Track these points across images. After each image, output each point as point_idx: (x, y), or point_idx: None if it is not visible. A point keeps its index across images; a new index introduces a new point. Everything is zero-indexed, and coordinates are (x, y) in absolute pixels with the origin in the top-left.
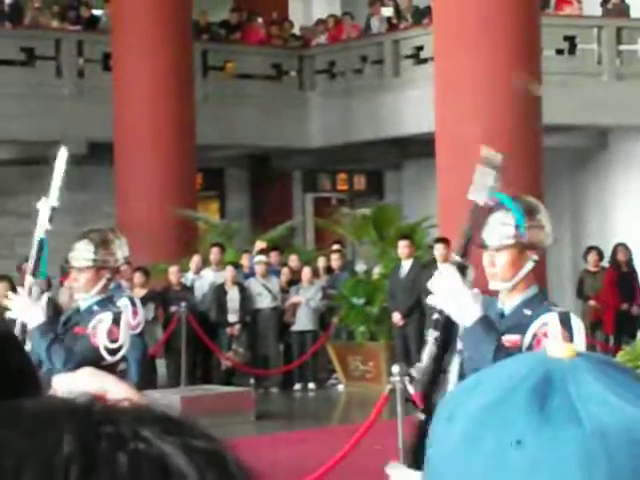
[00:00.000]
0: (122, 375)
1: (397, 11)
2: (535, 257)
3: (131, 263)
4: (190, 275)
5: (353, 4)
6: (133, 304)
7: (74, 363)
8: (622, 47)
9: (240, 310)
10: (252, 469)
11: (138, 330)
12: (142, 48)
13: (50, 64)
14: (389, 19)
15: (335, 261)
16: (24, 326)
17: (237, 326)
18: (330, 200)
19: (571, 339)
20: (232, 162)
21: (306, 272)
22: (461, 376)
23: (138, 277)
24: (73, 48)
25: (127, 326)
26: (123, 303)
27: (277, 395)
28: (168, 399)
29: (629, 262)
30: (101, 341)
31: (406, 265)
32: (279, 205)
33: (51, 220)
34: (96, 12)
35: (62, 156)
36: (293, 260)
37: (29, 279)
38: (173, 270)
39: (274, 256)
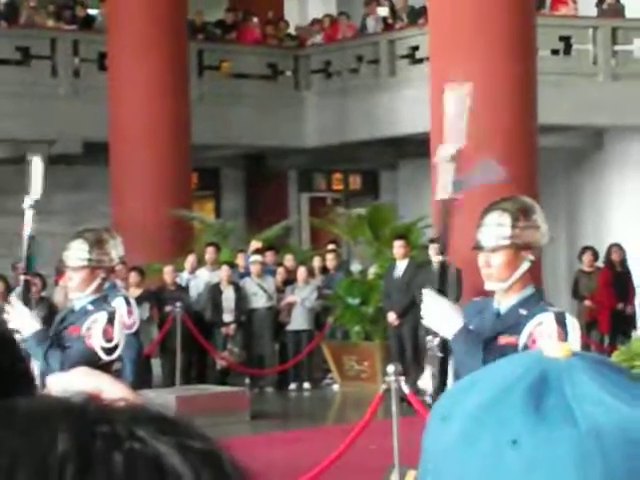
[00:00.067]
0: (117, 375)
1: (393, 11)
2: (531, 257)
3: (126, 263)
4: (185, 275)
5: (349, 4)
6: (128, 304)
7: (69, 366)
8: (617, 47)
9: (235, 310)
10: (247, 469)
11: (133, 330)
12: (138, 48)
13: (46, 63)
14: (385, 19)
15: (330, 261)
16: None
17: (232, 326)
18: (325, 200)
19: (567, 339)
20: (227, 162)
21: (301, 272)
22: (456, 377)
23: (133, 277)
24: (68, 47)
25: (122, 325)
26: (118, 303)
27: (272, 395)
28: (163, 399)
29: (623, 262)
30: (96, 342)
31: (401, 265)
32: (274, 205)
33: (36, 214)
34: (92, 12)
35: (37, 162)
36: (288, 260)
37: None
38: (168, 270)
39: (269, 256)
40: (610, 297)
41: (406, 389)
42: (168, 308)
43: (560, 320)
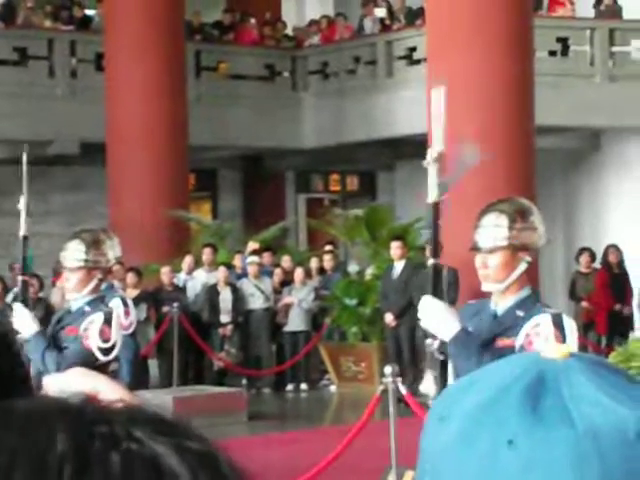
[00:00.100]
0: (114, 375)
1: (390, 12)
2: (528, 258)
3: (123, 263)
4: (182, 275)
5: (346, 5)
6: (125, 304)
7: (66, 366)
8: (615, 48)
9: (232, 311)
10: (244, 470)
11: (130, 330)
12: (135, 48)
13: (43, 64)
14: (382, 20)
15: (328, 262)
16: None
17: (229, 327)
18: (323, 201)
19: (564, 340)
20: (225, 163)
21: (299, 273)
22: (457, 379)
23: (130, 277)
24: (66, 48)
25: (119, 325)
26: (115, 303)
27: (269, 396)
28: (160, 399)
29: (620, 263)
30: (94, 342)
31: (399, 266)
32: (272, 206)
33: (29, 215)
34: (89, 12)
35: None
36: (286, 261)
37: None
38: (165, 270)
39: (267, 257)
40: (607, 298)
41: (403, 390)
42: (165, 309)
43: (557, 321)
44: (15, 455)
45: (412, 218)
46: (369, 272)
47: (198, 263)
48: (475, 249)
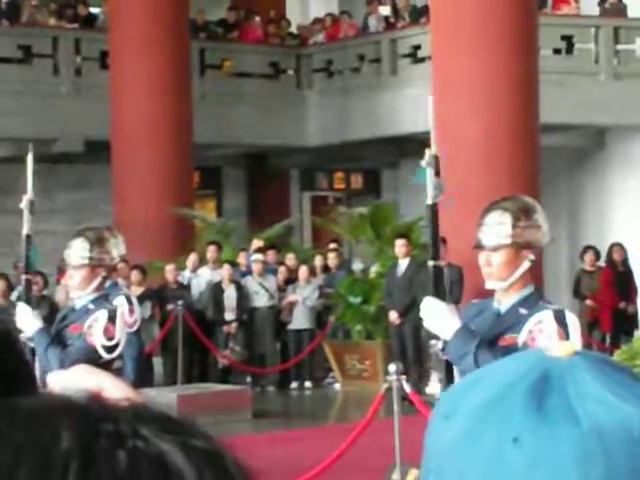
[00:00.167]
0: (118, 373)
1: (394, 10)
2: (531, 256)
3: (128, 261)
4: (187, 273)
5: (351, 3)
6: (129, 302)
7: (70, 363)
8: (619, 47)
9: (237, 308)
10: (250, 469)
11: (135, 328)
12: (139, 46)
13: (47, 62)
14: (386, 18)
15: (332, 260)
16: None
17: (234, 324)
18: (327, 199)
19: (567, 337)
20: (229, 161)
21: (303, 271)
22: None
23: (135, 275)
24: (70, 46)
25: (123, 323)
26: (119, 301)
27: (274, 393)
28: (165, 397)
29: (625, 261)
30: (98, 340)
31: (403, 264)
32: (276, 204)
33: (32, 213)
34: (93, 10)
35: (29, 161)
36: (290, 259)
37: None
38: (170, 268)
39: (271, 255)
40: (612, 296)
41: (407, 388)
42: (170, 306)
43: (559, 318)
44: (20, 452)
45: (416, 216)
46: (373, 270)
47: (202, 261)
48: (479, 247)
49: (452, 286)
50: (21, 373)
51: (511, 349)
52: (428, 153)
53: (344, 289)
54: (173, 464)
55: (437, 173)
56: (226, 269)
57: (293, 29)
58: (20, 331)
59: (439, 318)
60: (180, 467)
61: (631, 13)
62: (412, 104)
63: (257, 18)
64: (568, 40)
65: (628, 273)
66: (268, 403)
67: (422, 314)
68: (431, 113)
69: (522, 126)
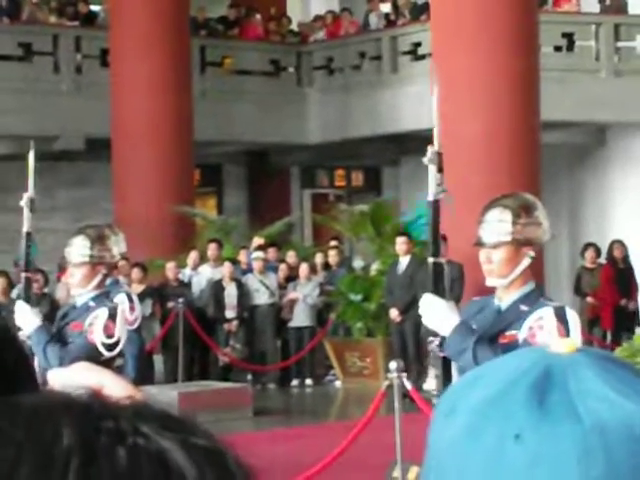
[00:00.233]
0: (119, 371)
1: (395, 7)
2: (532, 253)
3: (129, 259)
4: (188, 271)
5: (351, 0)
6: (130, 300)
7: (70, 361)
8: (620, 44)
9: (237, 306)
10: (251, 467)
11: (135, 326)
12: (140, 44)
13: (48, 60)
14: (387, 15)
15: (333, 257)
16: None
17: (234, 322)
18: (328, 196)
19: (567, 333)
20: (230, 158)
21: (304, 268)
22: (461, 375)
23: (136, 273)
24: (71, 44)
25: (124, 321)
26: (120, 299)
27: (274, 391)
28: (165, 395)
29: (625, 258)
30: (98, 338)
31: (404, 261)
32: (277, 201)
33: (33, 211)
34: (94, 8)
35: (30, 159)
36: (291, 256)
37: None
38: (170, 266)
39: (272, 252)
40: (613, 293)
41: (408, 385)
42: (170, 304)
43: (560, 314)
44: (21, 450)
45: (417, 214)
46: (374, 267)
47: (203, 259)
48: (479, 244)
49: (453, 284)
50: (21, 371)
51: (511, 346)
52: (430, 150)
53: (345, 287)
54: (174, 461)
55: (440, 170)
56: (227, 267)
57: (294, 26)
58: (19, 329)
59: (438, 315)
60: (181, 464)
61: (632, 10)
62: (413, 101)
63: (258, 15)
64: (569, 37)
65: (629, 270)
66: (269, 401)
67: (421, 310)
68: (435, 109)
69: (523, 123)
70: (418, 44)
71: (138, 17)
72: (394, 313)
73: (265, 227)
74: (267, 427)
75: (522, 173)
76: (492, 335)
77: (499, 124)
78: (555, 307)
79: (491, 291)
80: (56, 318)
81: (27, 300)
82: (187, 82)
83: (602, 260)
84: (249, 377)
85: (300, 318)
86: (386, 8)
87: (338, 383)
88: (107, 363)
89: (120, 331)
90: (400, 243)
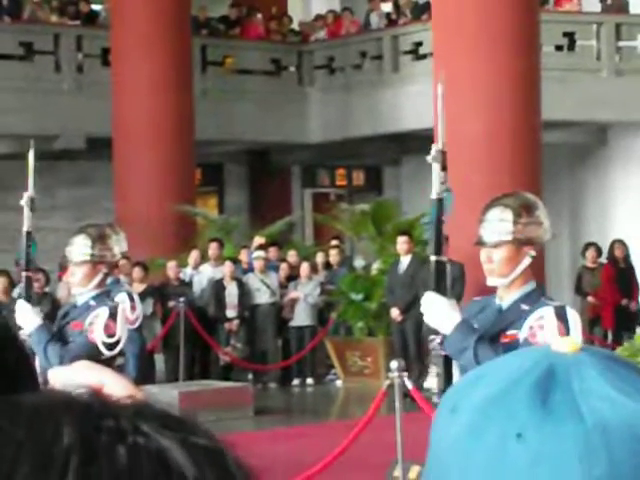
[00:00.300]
0: (120, 370)
1: (396, 7)
2: (532, 253)
3: (130, 258)
4: (188, 270)
5: (352, 0)
6: (131, 299)
7: (70, 360)
8: (621, 43)
9: (238, 305)
10: (252, 468)
11: (136, 325)
12: (141, 43)
13: (49, 59)
14: (388, 15)
15: (334, 257)
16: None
17: (235, 321)
18: (329, 195)
19: (567, 333)
20: (231, 157)
21: (304, 267)
22: (463, 374)
23: (137, 272)
24: (72, 43)
25: (125, 320)
26: (121, 298)
27: (275, 390)
28: (166, 394)
29: (626, 258)
30: (98, 337)
31: (405, 261)
32: (278, 200)
33: (33, 210)
34: (95, 7)
35: (31, 155)
36: (292, 255)
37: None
38: (171, 265)
39: (273, 251)
40: (614, 293)
41: (409, 385)
42: (171, 303)
43: (561, 314)
44: (21, 448)
45: (418, 213)
46: (375, 267)
47: (204, 258)
48: (480, 244)
49: (454, 283)
50: (22, 370)
51: (512, 345)
52: (435, 148)
53: (346, 286)
54: (174, 461)
55: (444, 168)
56: (228, 266)
57: (295, 26)
58: (20, 328)
59: (439, 313)
60: (181, 464)
61: (633, 9)
62: (414, 101)
63: (259, 15)
64: (570, 37)
65: (630, 270)
66: (270, 400)
67: (422, 309)
68: (440, 108)
69: (524, 123)
70: (419, 43)
71: (139, 16)
72: (395, 312)
73: (266, 226)
74: (268, 426)
75: (523, 172)
76: (493, 334)
77: (500, 123)
78: (556, 306)
79: (492, 291)
80: (57, 317)
81: (28, 299)
82: (188, 81)
83: (603, 260)
84: (250, 376)
85: (301, 317)
86: (387, 7)
87: (339, 382)
88: (108, 362)
89: (121, 330)
90: (401, 242)
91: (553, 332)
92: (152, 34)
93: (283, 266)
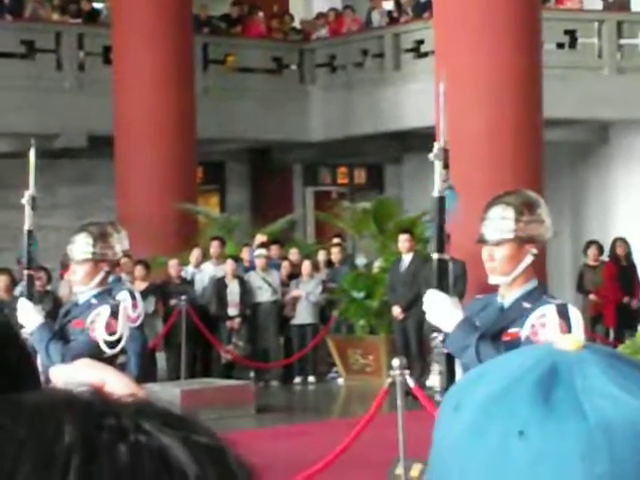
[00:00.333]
0: (121, 368)
1: (398, 5)
2: (534, 251)
3: (131, 256)
4: (190, 268)
5: None
6: (133, 297)
7: (72, 358)
8: (623, 41)
9: (240, 303)
10: (253, 466)
11: (138, 323)
12: (142, 41)
13: (50, 57)
14: (390, 13)
15: (335, 255)
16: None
17: (237, 320)
18: (330, 194)
19: (569, 331)
20: (232, 156)
21: (306, 266)
22: (465, 372)
23: (139, 270)
24: (73, 41)
25: (126, 318)
26: (123, 296)
27: (277, 388)
28: (168, 392)
29: (628, 256)
30: (100, 335)
31: (406, 259)
32: (279, 199)
33: (34, 208)
34: (97, 5)
35: (32, 153)
36: (293, 254)
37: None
38: (173, 263)
39: (274, 250)
40: (615, 291)
41: (411, 383)
42: (173, 302)
43: (562, 312)
44: (23, 447)
45: (420, 211)
46: (377, 265)
47: (206, 256)
48: (482, 242)
49: (456, 281)
50: (24, 368)
51: (514, 343)
52: (436, 146)
53: (347, 284)
54: (175, 459)
55: (445, 166)
56: (229, 264)
57: (296, 24)
58: (22, 326)
59: (441, 310)
60: (182, 462)
61: (634, 7)
62: (415, 99)
63: (260, 13)
64: (571, 34)
65: (631, 268)
66: (271, 398)
67: (425, 306)
68: (442, 106)
69: (525, 121)
70: (421, 41)
71: (141, 14)
72: (397, 310)
73: (268, 224)
74: (269, 424)
75: (525, 170)
76: (495, 332)
77: (502, 121)
78: (557, 305)
79: (494, 289)
80: (58, 315)
81: (30, 297)
82: (190, 79)
83: (605, 258)
84: (252, 374)
85: (303, 315)
86: (389, 5)
87: (341, 380)
88: (109, 360)
89: (122, 328)
90: (403, 240)
91: (555, 330)
92: (153, 32)
93: (285, 264)
